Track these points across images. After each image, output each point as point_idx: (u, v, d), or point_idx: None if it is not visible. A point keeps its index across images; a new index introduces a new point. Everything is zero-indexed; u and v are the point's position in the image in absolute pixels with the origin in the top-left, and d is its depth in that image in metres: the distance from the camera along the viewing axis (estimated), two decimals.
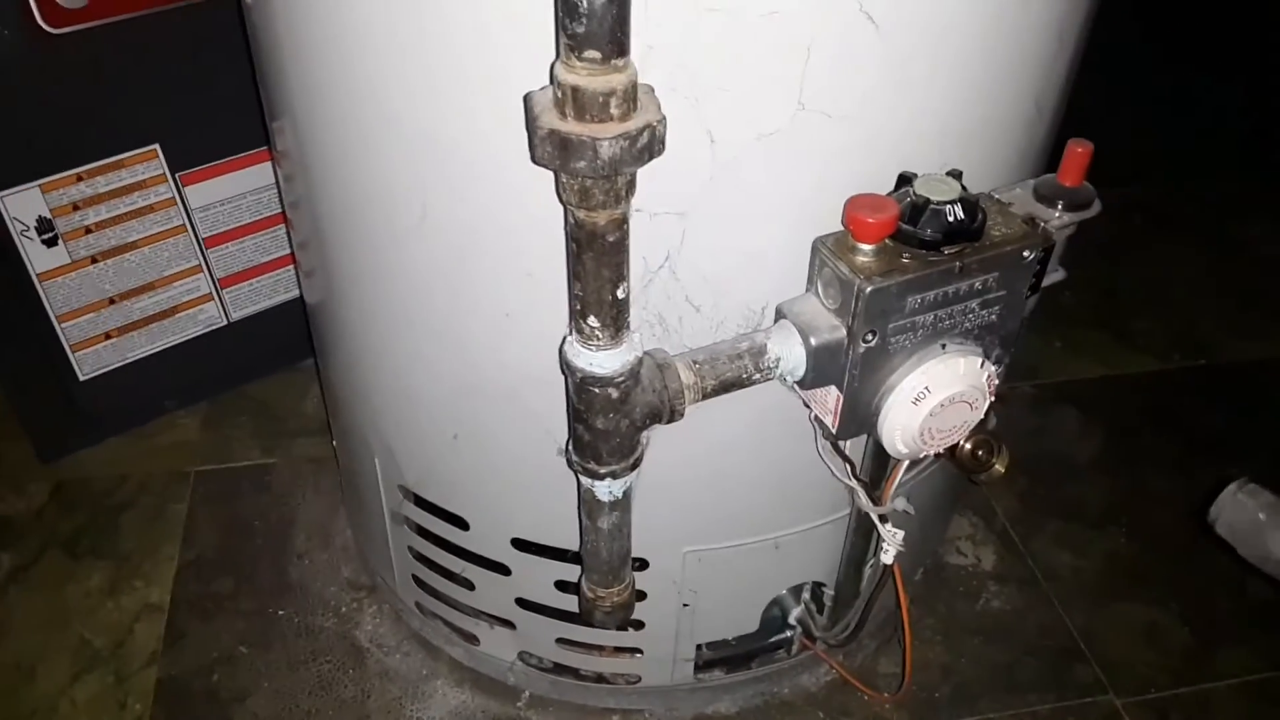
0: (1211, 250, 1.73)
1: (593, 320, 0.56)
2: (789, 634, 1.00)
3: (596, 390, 0.59)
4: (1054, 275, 0.70)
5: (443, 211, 0.68)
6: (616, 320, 0.57)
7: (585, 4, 0.44)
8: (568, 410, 0.63)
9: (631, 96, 0.47)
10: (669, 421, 0.64)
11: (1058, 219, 0.66)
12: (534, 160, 0.49)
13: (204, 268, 1.26)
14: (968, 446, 0.75)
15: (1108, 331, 1.54)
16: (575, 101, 0.46)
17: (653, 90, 0.50)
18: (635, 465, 0.65)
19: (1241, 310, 1.60)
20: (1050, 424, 1.39)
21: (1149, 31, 2.24)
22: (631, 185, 0.51)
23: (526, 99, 0.49)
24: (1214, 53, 2.28)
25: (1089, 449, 1.35)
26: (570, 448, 0.65)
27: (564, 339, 0.59)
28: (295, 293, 1.34)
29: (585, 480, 0.65)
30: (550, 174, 0.52)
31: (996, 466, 0.79)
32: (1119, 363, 1.49)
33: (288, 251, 1.31)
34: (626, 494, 0.67)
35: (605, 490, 0.65)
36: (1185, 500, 1.27)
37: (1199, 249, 1.74)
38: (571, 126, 0.47)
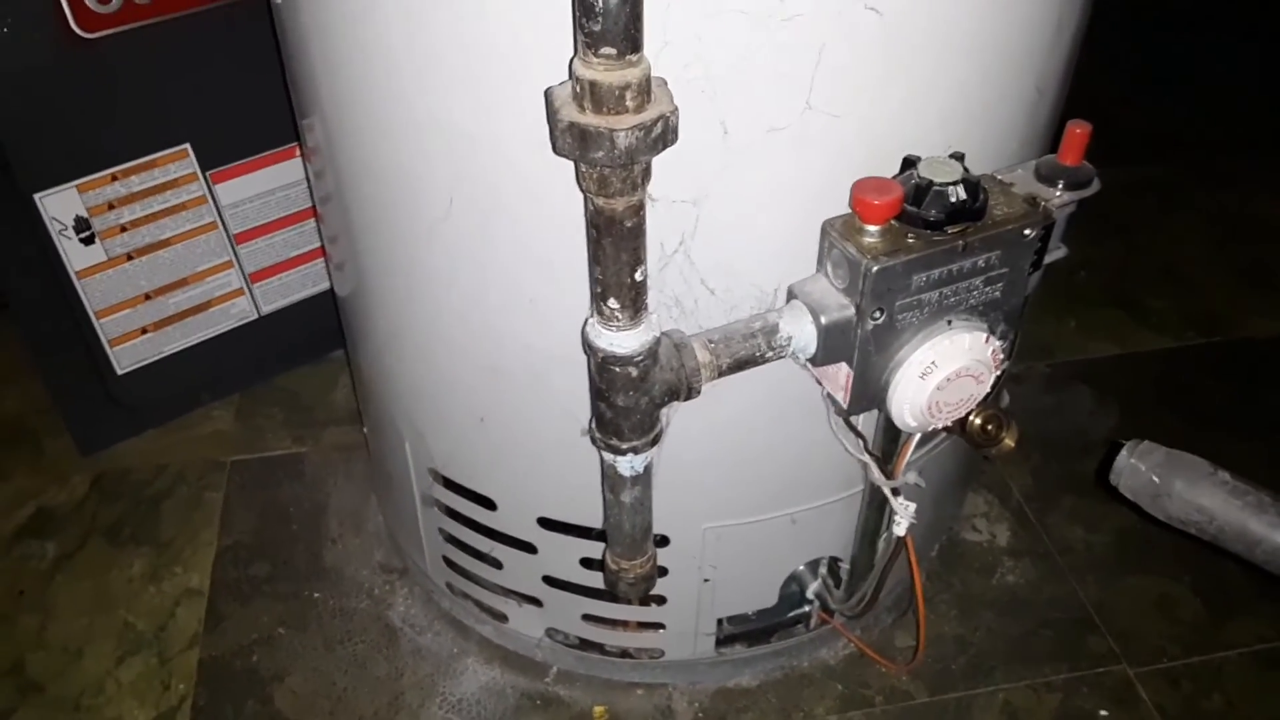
0: (1225, 227, 1.74)
1: (613, 302, 0.59)
2: (807, 608, 1.02)
3: (617, 369, 0.62)
4: (1056, 253, 0.72)
5: (469, 204, 0.71)
6: (635, 302, 0.60)
7: (600, 4, 0.47)
8: (590, 389, 0.66)
9: (646, 89, 0.50)
10: (687, 399, 0.67)
11: (1058, 198, 0.68)
12: (555, 151, 0.52)
13: (235, 263, 1.30)
14: (977, 421, 0.77)
15: (1122, 310, 1.56)
16: (593, 95, 0.49)
17: (666, 83, 0.53)
18: (655, 441, 0.68)
19: (1255, 287, 1.61)
20: (1064, 402, 1.40)
21: (1159, 5, 2.25)
22: (647, 172, 0.54)
23: (547, 94, 0.52)
24: (1225, 28, 2.28)
25: (1103, 426, 1.36)
26: (593, 425, 0.68)
27: (585, 321, 0.62)
28: (323, 286, 1.38)
29: (608, 456, 0.68)
30: (570, 164, 0.55)
31: (1006, 440, 0.81)
32: (1133, 341, 1.50)
33: (315, 246, 1.34)
34: (647, 469, 0.70)
35: (627, 465, 0.68)
36: None
37: (1212, 226, 1.74)
38: (590, 119, 0.50)
